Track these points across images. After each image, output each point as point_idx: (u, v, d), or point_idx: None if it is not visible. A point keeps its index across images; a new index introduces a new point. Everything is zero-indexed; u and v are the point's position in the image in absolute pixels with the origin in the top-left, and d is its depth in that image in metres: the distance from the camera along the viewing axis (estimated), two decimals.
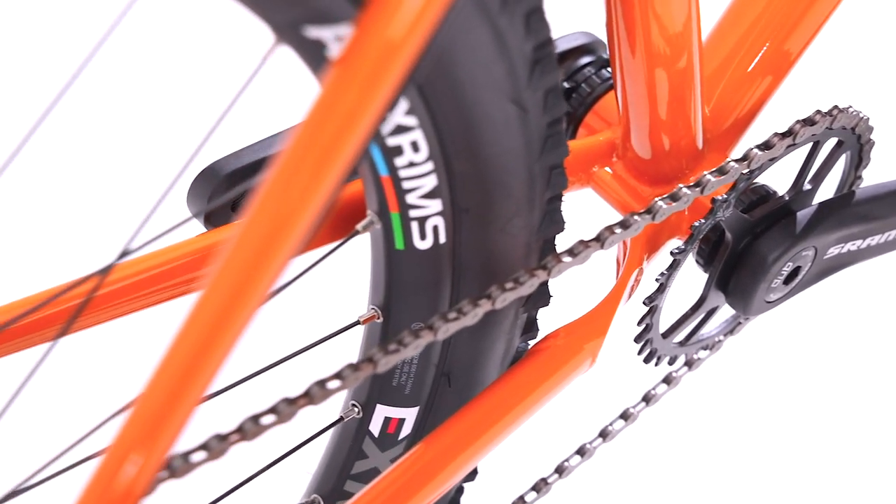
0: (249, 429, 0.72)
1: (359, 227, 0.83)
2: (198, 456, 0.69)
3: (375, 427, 0.96)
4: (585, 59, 1.05)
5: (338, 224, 0.92)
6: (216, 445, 0.70)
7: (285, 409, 0.73)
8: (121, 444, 0.63)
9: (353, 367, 0.76)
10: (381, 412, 0.95)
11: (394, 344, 0.78)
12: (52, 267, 1.59)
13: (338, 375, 0.76)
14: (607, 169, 1.01)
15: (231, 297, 0.64)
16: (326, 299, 1.42)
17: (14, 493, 0.72)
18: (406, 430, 0.96)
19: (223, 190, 0.92)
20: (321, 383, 0.75)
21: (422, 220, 0.81)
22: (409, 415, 0.95)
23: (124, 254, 0.65)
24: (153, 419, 0.63)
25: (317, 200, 0.64)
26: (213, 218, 0.93)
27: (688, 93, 0.92)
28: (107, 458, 0.63)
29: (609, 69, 1.04)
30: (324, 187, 0.63)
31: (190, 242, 0.85)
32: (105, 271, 0.70)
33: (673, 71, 0.90)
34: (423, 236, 0.82)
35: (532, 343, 0.93)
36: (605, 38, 1.05)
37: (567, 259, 0.83)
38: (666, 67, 0.90)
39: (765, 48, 0.98)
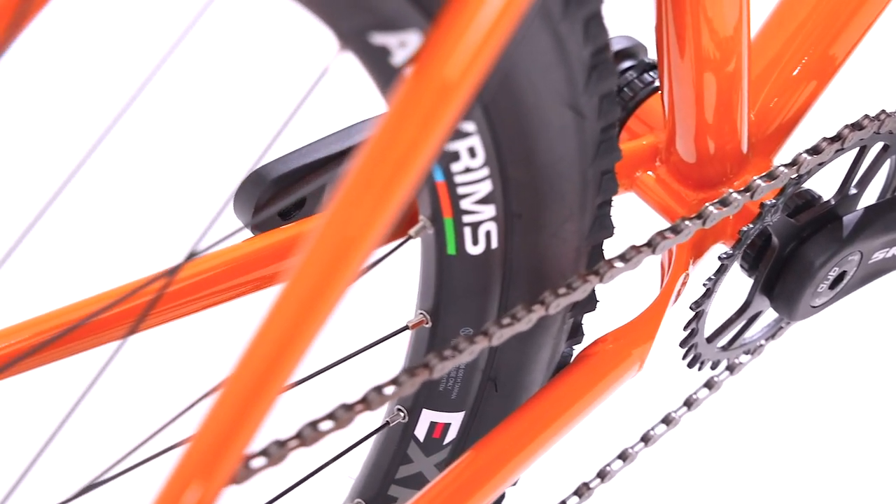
0: (308, 434, 0.72)
1: (411, 232, 0.83)
2: (258, 462, 0.69)
3: (421, 432, 0.96)
4: (627, 63, 1.05)
5: (404, 224, 0.93)
6: (276, 451, 0.70)
7: (343, 415, 0.73)
8: (184, 469, 0.63)
9: (410, 373, 0.76)
10: (427, 417, 0.95)
11: (449, 350, 0.78)
12: (113, 268, 1.60)
13: (394, 381, 0.76)
14: (650, 173, 1.01)
15: (293, 325, 0.63)
16: (373, 303, 1.42)
17: (89, 488, 0.72)
18: (451, 434, 0.96)
19: (270, 194, 0.92)
20: (378, 389, 0.75)
21: (475, 226, 0.81)
22: (455, 420, 0.95)
23: (192, 255, 0.65)
24: (217, 444, 0.63)
25: (382, 222, 0.63)
26: (260, 223, 0.93)
27: (735, 97, 0.92)
28: (172, 479, 0.62)
29: (651, 73, 1.04)
30: (389, 209, 0.63)
31: (252, 242, 0.86)
32: (173, 272, 0.70)
33: (721, 75, 0.90)
34: (475, 241, 0.82)
35: (577, 348, 0.93)
36: (645, 42, 1.05)
37: (619, 264, 0.83)
38: (714, 71, 0.90)
39: (810, 53, 0.97)
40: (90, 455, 1.31)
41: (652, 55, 1.05)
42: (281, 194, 0.92)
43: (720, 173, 0.98)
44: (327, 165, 0.94)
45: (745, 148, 0.97)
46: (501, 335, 0.79)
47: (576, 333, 0.93)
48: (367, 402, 0.74)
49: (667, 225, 0.90)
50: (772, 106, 0.99)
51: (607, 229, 0.86)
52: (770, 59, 0.98)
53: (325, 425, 0.73)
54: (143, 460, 0.77)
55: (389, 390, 0.75)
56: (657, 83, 1.04)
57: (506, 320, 0.80)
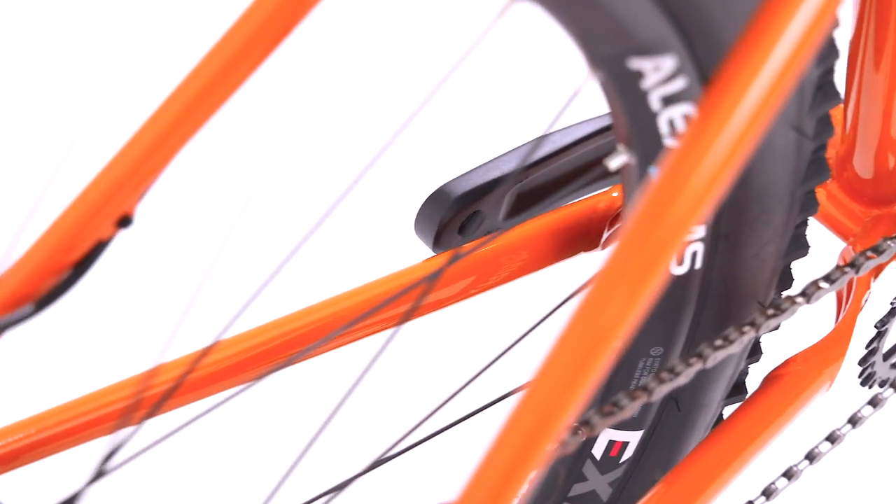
0: None
1: None
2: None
3: (598, 450, 0.95)
4: None
5: (569, 242, 0.93)
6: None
7: (566, 437, 0.73)
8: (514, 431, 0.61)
9: (629, 396, 0.75)
10: (606, 435, 0.94)
11: (666, 372, 0.77)
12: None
13: (614, 403, 0.75)
14: (820, 189, 1.00)
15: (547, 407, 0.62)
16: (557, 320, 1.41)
17: (376, 464, 0.73)
18: (628, 453, 0.95)
19: (454, 212, 0.91)
20: (600, 411, 0.74)
21: (682, 246, 0.81)
22: (633, 438, 0.94)
23: (455, 258, 0.65)
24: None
25: (635, 313, 0.62)
26: (442, 241, 0.92)
27: None
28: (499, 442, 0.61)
29: None
30: (642, 300, 0.62)
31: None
32: (434, 277, 0.70)
33: None
34: (680, 262, 0.82)
35: (753, 365, 0.93)
36: None
37: (825, 285, 0.83)
38: None
39: None
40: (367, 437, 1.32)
41: None
42: (463, 212, 0.92)
43: None
44: (507, 182, 0.93)
45: None
46: (715, 357, 0.79)
47: (755, 352, 0.92)
48: (589, 425, 0.74)
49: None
50: None
51: (803, 249, 0.85)
52: None
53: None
54: (418, 442, 0.78)
55: (611, 412, 0.74)
56: None
57: (718, 342, 0.79)
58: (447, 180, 0.93)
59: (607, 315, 0.61)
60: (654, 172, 0.76)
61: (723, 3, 0.64)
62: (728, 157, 0.59)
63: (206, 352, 0.72)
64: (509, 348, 0.80)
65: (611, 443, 0.95)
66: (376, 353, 0.67)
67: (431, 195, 0.92)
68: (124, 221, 0.66)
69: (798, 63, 0.59)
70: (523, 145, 0.96)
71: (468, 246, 0.88)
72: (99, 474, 0.62)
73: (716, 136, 0.59)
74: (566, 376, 0.61)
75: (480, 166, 0.93)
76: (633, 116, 0.70)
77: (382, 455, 0.75)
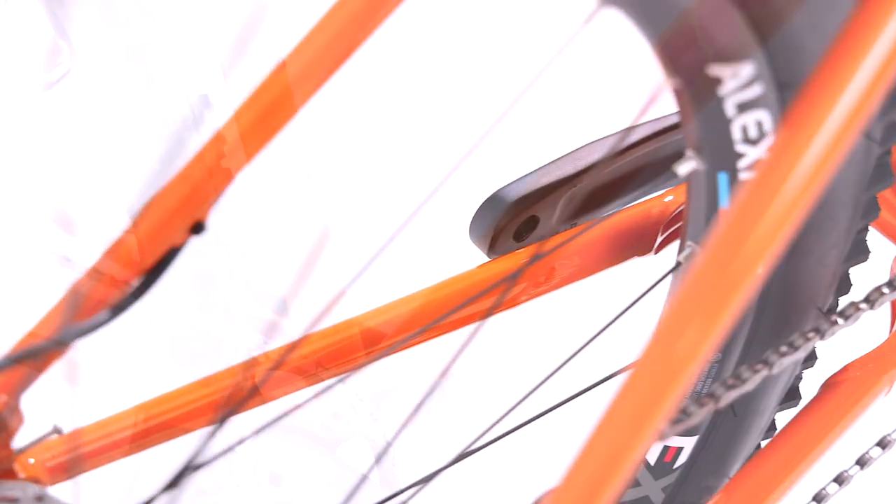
0: None
1: (680, 258, 0.82)
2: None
3: (652, 456, 0.95)
4: None
5: (622, 247, 0.92)
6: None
7: None
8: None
9: (698, 403, 0.75)
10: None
11: (733, 378, 0.77)
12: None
13: (683, 411, 0.75)
14: None
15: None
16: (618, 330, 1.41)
17: (463, 456, 0.73)
18: (682, 458, 0.95)
19: (509, 217, 0.91)
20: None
21: None
22: (688, 444, 0.94)
23: (535, 258, 0.65)
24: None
25: (709, 345, 0.60)
26: (497, 247, 0.92)
27: None
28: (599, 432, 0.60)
29: None
30: (717, 331, 0.60)
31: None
32: (515, 276, 0.70)
33: None
34: None
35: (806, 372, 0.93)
36: None
37: (887, 291, 0.82)
38: None
39: None
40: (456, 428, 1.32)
41: None
42: (519, 217, 0.91)
43: None
44: (562, 187, 0.93)
45: None
46: (781, 364, 0.78)
47: (811, 358, 0.92)
48: (660, 435, 0.73)
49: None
50: None
51: (864, 254, 0.85)
52: None
53: None
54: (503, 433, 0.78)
55: (680, 419, 0.74)
56: None
57: (784, 348, 0.79)
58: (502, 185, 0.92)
59: (682, 344, 0.59)
60: (732, 190, 0.76)
61: (807, 13, 0.64)
62: (812, 177, 0.58)
63: (293, 347, 0.72)
64: (586, 345, 0.80)
65: (665, 448, 0.94)
66: (461, 347, 0.67)
67: (487, 200, 0.91)
68: (197, 228, 0.66)
69: (885, 79, 0.58)
70: (578, 149, 0.95)
71: (551, 242, 0.88)
72: (187, 469, 0.62)
73: (799, 157, 0.58)
74: (641, 408, 0.61)
75: (535, 170, 0.93)
76: (706, 122, 0.69)
77: (467, 447, 0.75)
